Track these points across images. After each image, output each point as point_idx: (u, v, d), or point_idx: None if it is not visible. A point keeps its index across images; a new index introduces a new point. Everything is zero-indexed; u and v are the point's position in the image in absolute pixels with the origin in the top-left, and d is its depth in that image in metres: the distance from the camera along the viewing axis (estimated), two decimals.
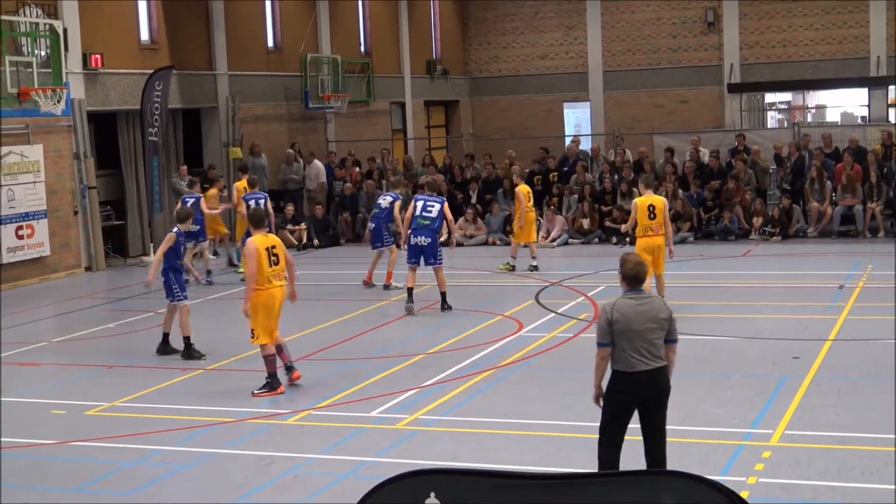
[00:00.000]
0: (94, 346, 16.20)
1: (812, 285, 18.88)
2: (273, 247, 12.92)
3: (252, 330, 12.90)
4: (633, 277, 8.61)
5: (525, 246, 21.88)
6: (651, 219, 16.59)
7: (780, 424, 10.83)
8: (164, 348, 15.15)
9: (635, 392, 8.55)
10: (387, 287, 19.62)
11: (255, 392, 12.90)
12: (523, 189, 21.67)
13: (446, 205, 18.31)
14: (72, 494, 9.78)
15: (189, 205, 19.42)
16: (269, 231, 14.14)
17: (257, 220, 13.24)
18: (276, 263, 12.89)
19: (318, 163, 29.12)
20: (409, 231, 17.89)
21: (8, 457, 10.91)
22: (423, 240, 17.70)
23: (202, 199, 21.41)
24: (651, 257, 16.19)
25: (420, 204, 17.97)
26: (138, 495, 9.65)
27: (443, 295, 17.77)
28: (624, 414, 8.65)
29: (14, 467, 10.63)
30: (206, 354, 14.88)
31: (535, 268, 21.19)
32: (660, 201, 16.93)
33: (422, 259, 17.73)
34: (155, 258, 15.28)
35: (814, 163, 25.25)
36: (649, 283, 16.33)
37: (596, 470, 8.73)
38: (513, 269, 21.30)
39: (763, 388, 12.22)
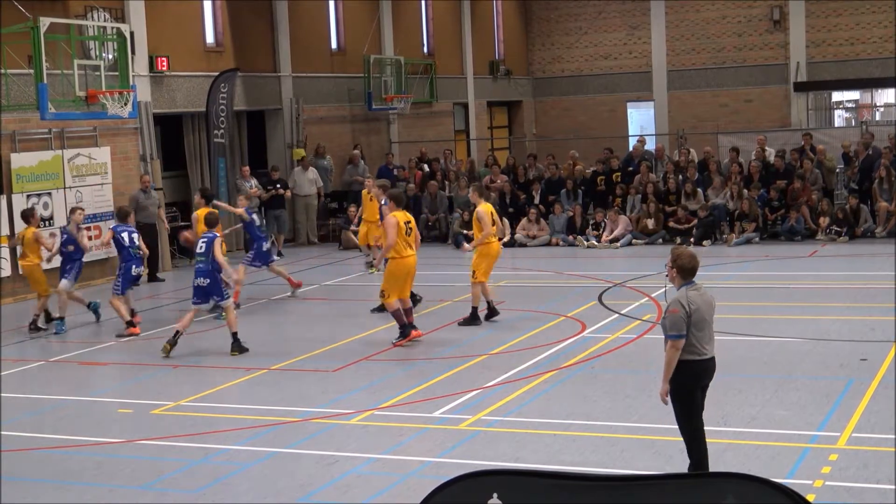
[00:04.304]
0: (161, 345, 16.37)
1: (880, 286, 18.61)
2: (409, 222, 15.45)
3: (383, 291, 15.39)
4: (691, 270, 9.11)
5: None
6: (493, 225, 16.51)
7: (847, 427, 10.69)
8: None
9: (703, 378, 9.05)
10: None
11: (395, 342, 15.22)
12: None
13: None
14: (137, 493, 9.88)
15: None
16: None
17: (398, 199, 15.57)
18: (410, 234, 15.36)
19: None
20: None
21: (75, 455, 11.07)
22: None
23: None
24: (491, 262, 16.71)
25: None
26: (202, 494, 9.73)
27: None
28: (695, 398, 9.04)
29: (81, 466, 10.77)
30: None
31: None
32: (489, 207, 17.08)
33: None
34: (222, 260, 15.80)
35: (882, 162, 24.90)
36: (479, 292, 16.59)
37: (660, 472, 8.70)
38: None
39: (830, 391, 12.08)
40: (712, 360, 9.02)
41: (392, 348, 15.23)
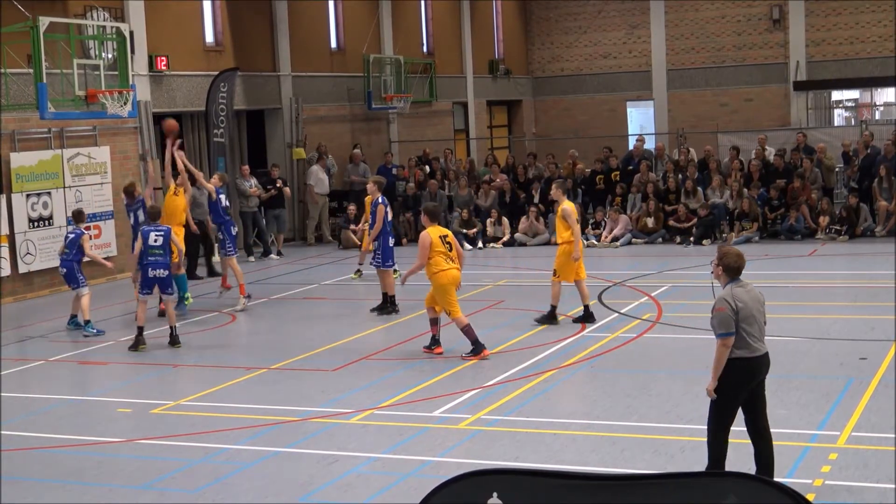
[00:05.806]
0: (160, 345, 16.35)
1: (879, 285, 18.60)
2: (445, 236, 14.43)
3: (447, 310, 14.31)
4: (737, 269, 9.00)
5: None
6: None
7: (846, 426, 10.69)
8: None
9: (755, 376, 8.93)
10: None
11: (463, 356, 14.27)
12: None
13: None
14: (137, 492, 9.87)
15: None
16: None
17: (434, 214, 14.65)
18: (451, 249, 14.31)
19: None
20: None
21: (75, 455, 11.07)
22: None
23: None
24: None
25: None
26: (203, 493, 9.73)
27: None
28: (738, 400, 8.93)
29: (81, 465, 10.77)
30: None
31: None
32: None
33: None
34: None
35: (883, 161, 24.88)
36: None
37: (661, 471, 8.69)
38: None
39: (829, 390, 12.07)
40: (765, 356, 8.91)
41: (391, 347, 15.23)
